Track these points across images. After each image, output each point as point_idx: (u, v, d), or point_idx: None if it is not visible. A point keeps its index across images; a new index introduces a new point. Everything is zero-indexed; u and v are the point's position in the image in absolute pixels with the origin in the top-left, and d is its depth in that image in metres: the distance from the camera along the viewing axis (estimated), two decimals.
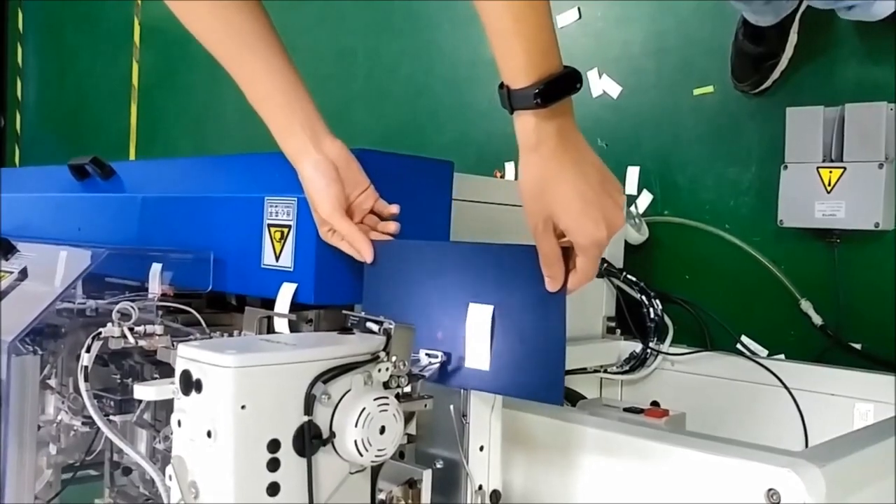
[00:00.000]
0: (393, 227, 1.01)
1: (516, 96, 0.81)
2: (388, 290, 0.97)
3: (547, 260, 0.85)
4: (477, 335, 0.90)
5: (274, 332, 1.02)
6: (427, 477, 0.92)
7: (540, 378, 0.86)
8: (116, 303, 0.94)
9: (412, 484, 0.91)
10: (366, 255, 0.97)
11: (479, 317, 0.90)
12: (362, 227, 0.99)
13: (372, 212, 1.01)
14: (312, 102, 1.02)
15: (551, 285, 0.85)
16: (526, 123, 0.82)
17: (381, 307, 0.95)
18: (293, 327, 1.00)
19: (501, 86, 0.83)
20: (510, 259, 0.89)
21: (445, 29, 2.42)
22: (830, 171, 1.60)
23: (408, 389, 0.89)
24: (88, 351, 0.89)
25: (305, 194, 0.98)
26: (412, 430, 0.93)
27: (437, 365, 0.92)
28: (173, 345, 0.93)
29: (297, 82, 1.02)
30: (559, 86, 0.81)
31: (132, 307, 0.93)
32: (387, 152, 1.06)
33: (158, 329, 0.95)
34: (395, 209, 1.02)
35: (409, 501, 0.90)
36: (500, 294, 0.89)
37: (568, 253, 0.85)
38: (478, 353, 0.90)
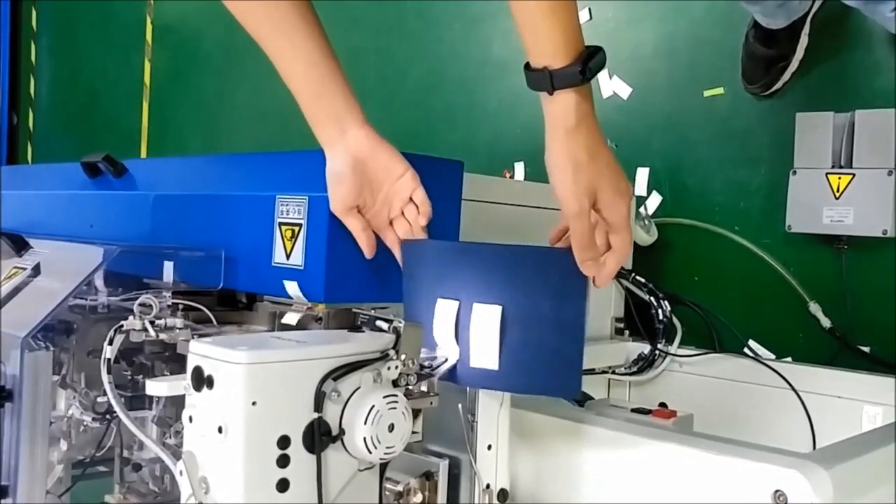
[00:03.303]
0: (423, 220, 1.00)
1: (558, 75, 0.83)
2: (423, 289, 0.97)
3: (584, 243, 0.85)
4: (483, 336, 0.90)
5: None
6: (444, 469, 0.92)
7: (556, 372, 0.86)
8: (128, 299, 0.94)
9: (429, 476, 0.92)
10: (367, 255, 0.99)
11: (485, 317, 0.90)
12: (384, 225, 0.99)
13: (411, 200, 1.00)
14: (345, 92, 1.00)
15: (590, 270, 0.86)
16: (566, 102, 0.84)
17: (420, 307, 0.95)
18: None
19: (531, 68, 0.84)
20: (535, 259, 0.89)
21: (456, 29, 2.42)
22: (839, 178, 1.60)
23: (424, 388, 0.90)
24: (111, 343, 0.90)
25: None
26: (418, 427, 0.93)
27: (446, 363, 0.92)
28: (193, 338, 0.93)
29: (329, 73, 1.00)
30: (598, 60, 0.84)
31: (153, 300, 0.94)
32: None
33: (179, 322, 0.95)
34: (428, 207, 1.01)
35: (426, 493, 0.91)
36: (523, 292, 0.89)
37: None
38: (485, 353, 0.90)
